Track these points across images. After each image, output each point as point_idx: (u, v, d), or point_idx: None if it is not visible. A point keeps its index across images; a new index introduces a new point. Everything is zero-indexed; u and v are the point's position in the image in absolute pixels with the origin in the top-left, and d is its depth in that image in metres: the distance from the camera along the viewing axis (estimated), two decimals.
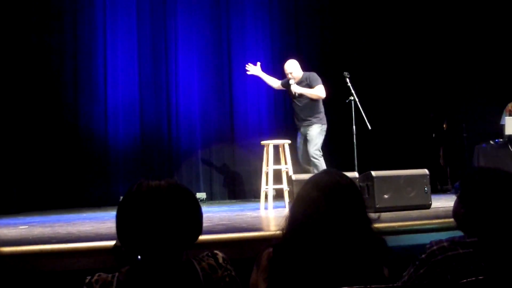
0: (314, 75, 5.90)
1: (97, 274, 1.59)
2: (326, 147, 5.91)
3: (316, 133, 5.80)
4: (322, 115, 5.87)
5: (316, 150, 5.73)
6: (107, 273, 1.60)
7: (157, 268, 1.56)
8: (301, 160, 5.97)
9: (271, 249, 1.75)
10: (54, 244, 2.76)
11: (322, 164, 5.68)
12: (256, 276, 1.79)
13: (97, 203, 7.03)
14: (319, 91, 5.80)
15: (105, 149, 7.52)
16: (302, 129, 5.91)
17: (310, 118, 5.84)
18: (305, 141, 5.85)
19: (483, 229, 1.70)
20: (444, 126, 8.30)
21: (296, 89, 5.82)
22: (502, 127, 7.23)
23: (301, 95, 5.83)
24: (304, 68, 6.03)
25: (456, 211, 1.83)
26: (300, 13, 8.56)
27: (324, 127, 5.87)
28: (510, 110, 7.36)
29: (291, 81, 5.84)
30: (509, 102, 7.49)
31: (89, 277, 1.59)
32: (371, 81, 8.13)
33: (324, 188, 1.71)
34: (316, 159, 5.69)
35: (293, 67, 5.91)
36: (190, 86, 7.98)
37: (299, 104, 5.88)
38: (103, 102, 7.56)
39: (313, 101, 5.85)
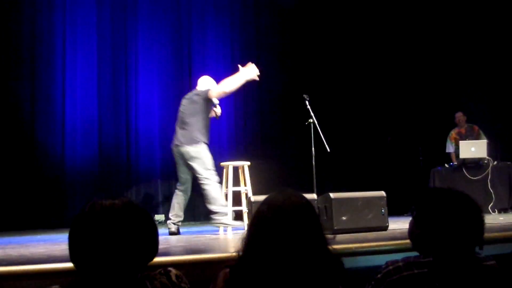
0: None
1: None
2: (284, 168, 5.73)
3: None
4: None
5: None
6: None
7: None
8: None
9: (227, 270, 1.73)
10: (5, 266, 2.66)
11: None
12: None
13: (53, 225, 6.83)
14: None
15: (62, 170, 7.38)
16: None
17: None
18: None
19: (437, 249, 1.73)
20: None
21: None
22: (448, 155, 7.52)
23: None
24: (265, 89, 5.99)
25: (412, 232, 1.86)
26: (261, 34, 8.67)
27: None
28: (455, 138, 7.57)
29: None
30: (451, 129, 7.71)
31: None
32: (330, 104, 8.25)
33: (278, 208, 1.70)
34: None
35: None
36: (150, 106, 7.93)
37: None
38: (61, 122, 7.44)
39: None
